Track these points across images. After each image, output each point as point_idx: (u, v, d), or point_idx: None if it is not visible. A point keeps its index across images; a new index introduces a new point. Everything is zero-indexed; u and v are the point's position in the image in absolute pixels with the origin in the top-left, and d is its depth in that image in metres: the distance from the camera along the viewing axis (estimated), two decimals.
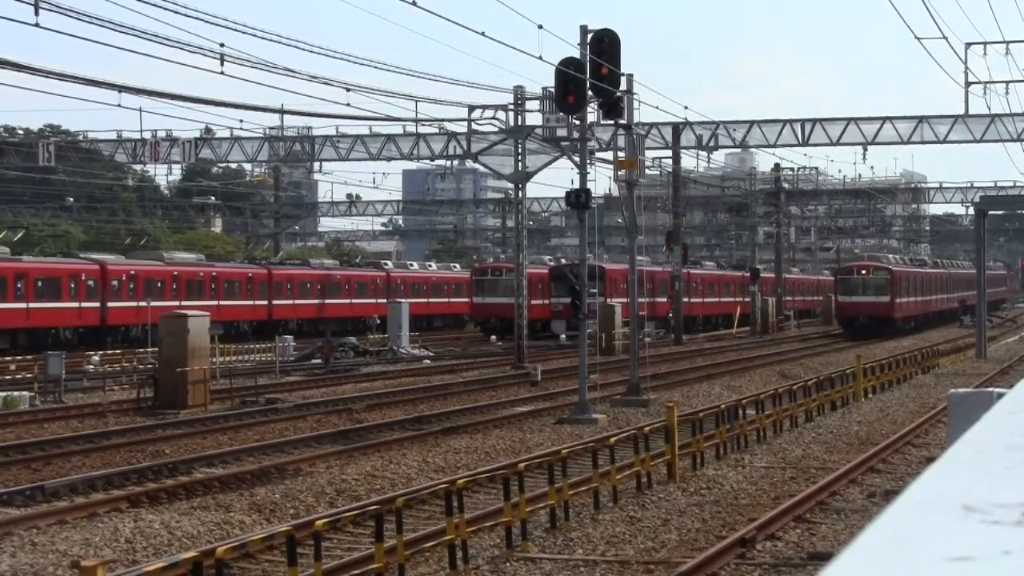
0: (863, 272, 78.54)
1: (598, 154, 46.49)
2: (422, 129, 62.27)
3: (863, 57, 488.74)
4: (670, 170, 70.73)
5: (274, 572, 16.35)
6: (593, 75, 33.83)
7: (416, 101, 60.99)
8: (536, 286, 68.47)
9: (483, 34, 33.80)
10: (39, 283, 58.91)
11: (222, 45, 33.12)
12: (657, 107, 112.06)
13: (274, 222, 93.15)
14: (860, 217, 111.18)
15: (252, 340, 63.37)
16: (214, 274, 70.26)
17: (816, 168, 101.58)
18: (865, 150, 64.65)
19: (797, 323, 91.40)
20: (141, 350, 52.49)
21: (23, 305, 57.84)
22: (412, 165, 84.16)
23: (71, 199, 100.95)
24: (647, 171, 65.33)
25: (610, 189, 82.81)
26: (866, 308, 76.64)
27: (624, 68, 35.24)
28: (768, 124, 64.72)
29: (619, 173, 38.81)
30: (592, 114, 36.60)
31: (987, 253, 65.65)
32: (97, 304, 61.91)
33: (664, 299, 73.46)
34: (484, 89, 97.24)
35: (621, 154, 38.97)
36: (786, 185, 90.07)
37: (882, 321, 76.07)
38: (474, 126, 54.02)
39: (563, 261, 78.40)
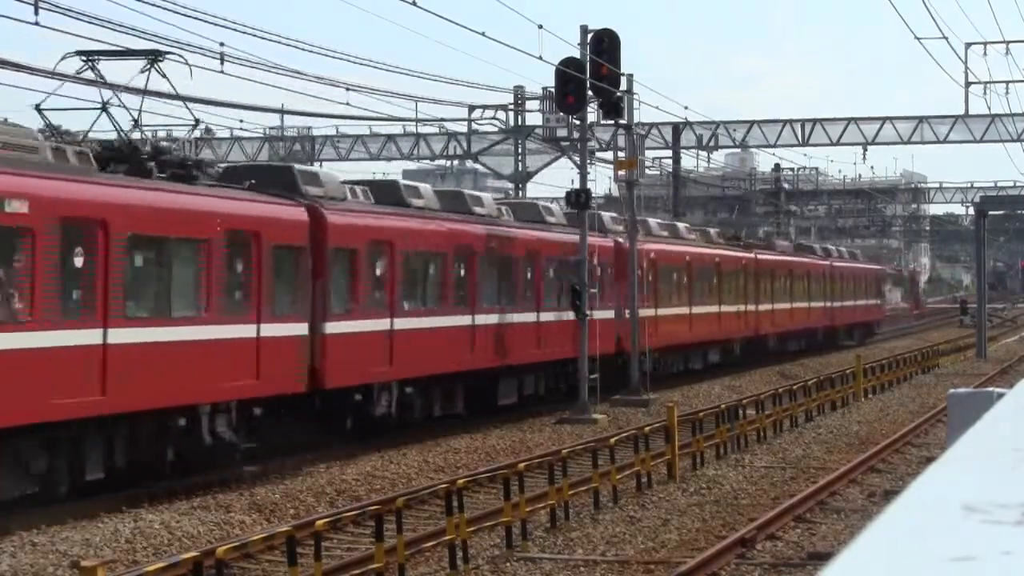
0: None
1: (598, 154, 46.45)
2: (422, 129, 62.29)
3: (863, 57, 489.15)
4: (670, 170, 70.72)
5: (274, 572, 16.35)
6: (593, 75, 33.84)
7: (416, 101, 60.88)
8: None
9: (483, 34, 33.71)
10: None
11: (222, 45, 33.05)
12: (657, 107, 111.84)
13: None
14: (860, 217, 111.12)
15: None
16: None
17: (816, 168, 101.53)
18: (865, 150, 64.62)
19: None
20: None
21: None
22: (412, 165, 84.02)
23: None
24: (647, 171, 65.32)
25: (610, 189, 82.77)
26: None
27: (624, 68, 35.28)
28: (768, 124, 64.67)
29: (619, 173, 38.80)
30: (592, 114, 36.59)
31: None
32: None
33: None
34: (484, 89, 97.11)
35: (621, 154, 38.96)
36: (786, 185, 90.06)
37: None
38: (474, 126, 54.08)
39: None
